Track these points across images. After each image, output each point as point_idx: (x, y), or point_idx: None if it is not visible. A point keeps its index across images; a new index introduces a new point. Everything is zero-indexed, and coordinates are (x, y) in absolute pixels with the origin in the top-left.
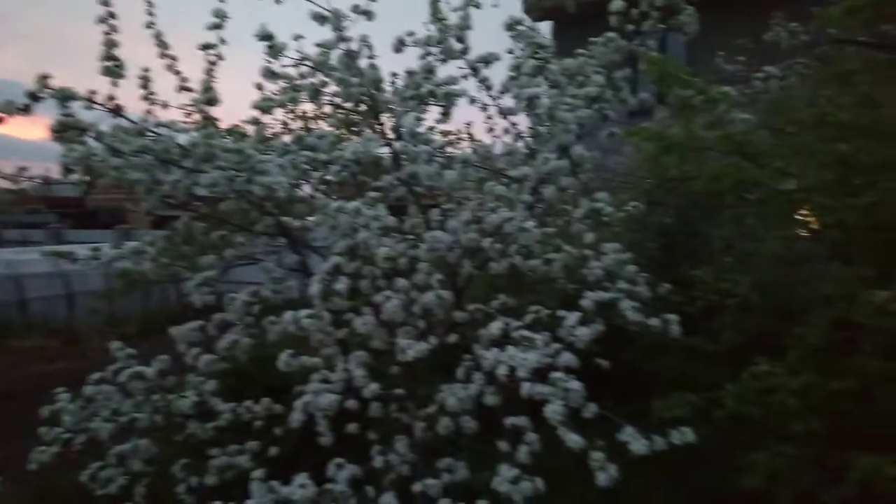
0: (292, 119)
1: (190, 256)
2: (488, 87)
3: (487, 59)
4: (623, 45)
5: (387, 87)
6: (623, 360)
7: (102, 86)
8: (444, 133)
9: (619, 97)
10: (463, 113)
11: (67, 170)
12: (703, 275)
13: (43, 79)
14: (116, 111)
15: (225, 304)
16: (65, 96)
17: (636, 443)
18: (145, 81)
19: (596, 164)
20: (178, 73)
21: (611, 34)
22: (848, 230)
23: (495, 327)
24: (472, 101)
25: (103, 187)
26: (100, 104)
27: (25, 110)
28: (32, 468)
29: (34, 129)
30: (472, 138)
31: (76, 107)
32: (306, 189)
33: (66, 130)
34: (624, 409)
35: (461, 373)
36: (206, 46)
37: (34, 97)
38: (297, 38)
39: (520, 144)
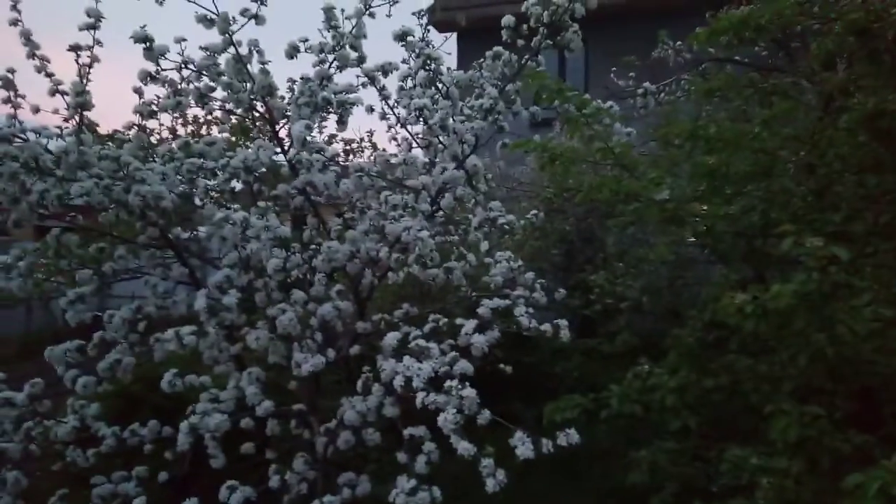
0: (181, 125)
1: (68, 271)
2: (385, 97)
3: (385, 69)
4: (512, 59)
5: (282, 93)
6: (528, 364)
7: None
8: (344, 141)
9: (512, 109)
10: (363, 122)
11: None
12: (598, 279)
13: None
14: None
15: (104, 322)
16: None
17: (522, 447)
18: (8, 82)
19: (498, 175)
20: (49, 75)
21: (499, 49)
22: (716, 236)
23: (393, 337)
24: (371, 110)
25: None
26: None
27: None
28: None
29: None
30: (373, 147)
31: None
32: (197, 198)
33: None
34: (530, 411)
35: (360, 385)
36: (75, 48)
37: None
38: (180, 40)
39: (417, 154)
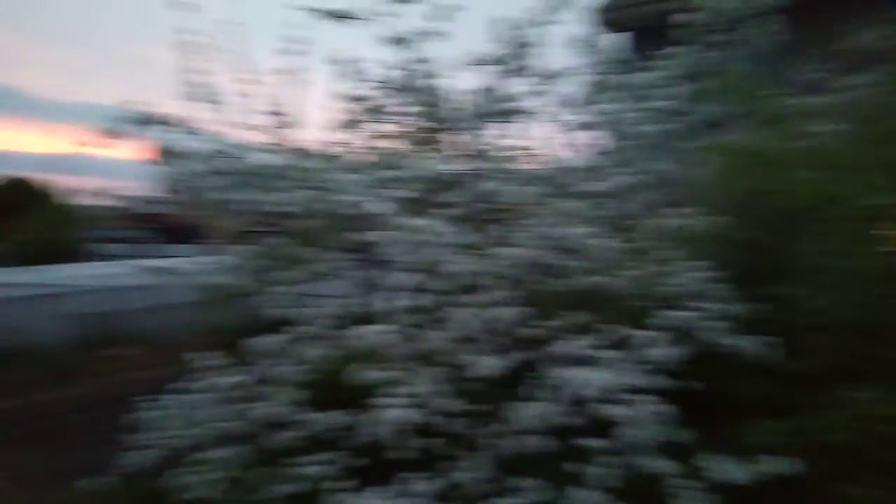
0: (368, 138)
1: (273, 271)
2: (560, 103)
3: (559, 74)
4: (692, 57)
5: (458, 104)
6: (711, 382)
7: (190, 109)
8: (517, 149)
9: (695, 110)
10: (536, 129)
11: (174, 189)
12: (790, 293)
13: (144, 105)
14: (202, 134)
15: (303, 318)
16: (150, 120)
17: (734, 471)
18: (229, 104)
19: (677, 178)
20: (259, 95)
21: (677, 48)
22: None
23: (568, 344)
24: (545, 116)
25: (186, 204)
26: (189, 128)
27: (125, 134)
28: (123, 471)
29: (112, 147)
30: (544, 154)
31: (166, 131)
32: (379, 206)
33: (171, 154)
34: (700, 433)
35: (531, 390)
36: (281, 71)
37: (135, 121)
38: (370, 60)
39: (596, 159)
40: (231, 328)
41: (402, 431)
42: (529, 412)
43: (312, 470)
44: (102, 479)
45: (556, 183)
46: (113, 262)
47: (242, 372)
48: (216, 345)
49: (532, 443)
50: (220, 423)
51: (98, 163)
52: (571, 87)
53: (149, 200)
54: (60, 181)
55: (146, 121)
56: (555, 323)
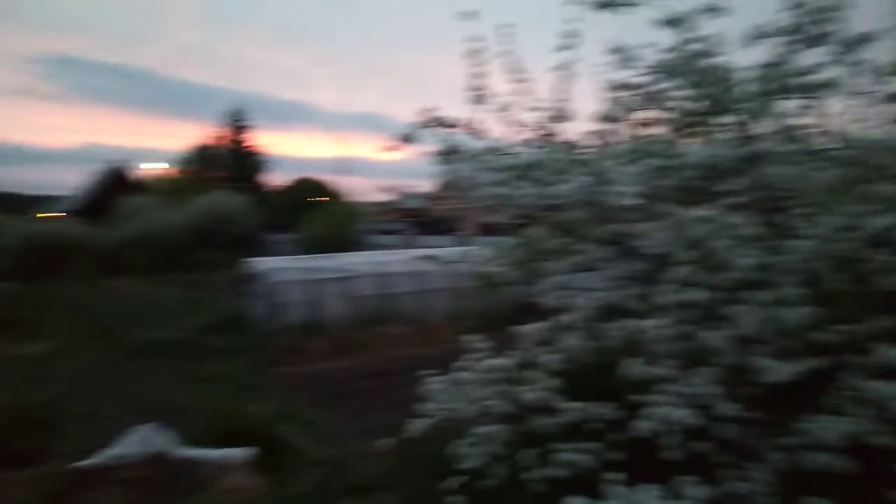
0: (640, 126)
1: (538, 261)
2: (865, 73)
3: (863, 40)
4: None
5: (740, 82)
6: None
7: (466, 110)
8: (811, 127)
9: None
10: (834, 103)
11: (448, 186)
12: None
13: (427, 111)
14: (479, 134)
15: (565, 308)
16: (442, 124)
17: None
18: (504, 105)
19: None
20: (531, 93)
21: None
22: None
23: (876, 354)
24: (846, 89)
25: (456, 199)
26: (468, 129)
27: (411, 139)
28: (405, 437)
29: (397, 150)
30: (845, 132)
31: (444, 133)
32: (650, 196)
33: (449, 154)
34: None
35: (830, 402)
36: (557, 68)
37: (418, 127)
38: (642, 46)
39: None
40: (495, 314)
41: (673, 431)
42: (828, 426)
43: (573, 457)
44: (388, 440)
45: (861, 164)
46: (386, 252)
47: (508, 356)
48: (482, 328)
49: (825, 460)
50: (488, 401)
51: (372, 164)
52: (878, 54)
53: (415, 196)
54: (342, 181)
55: (429, 124)
56: (858, 327)
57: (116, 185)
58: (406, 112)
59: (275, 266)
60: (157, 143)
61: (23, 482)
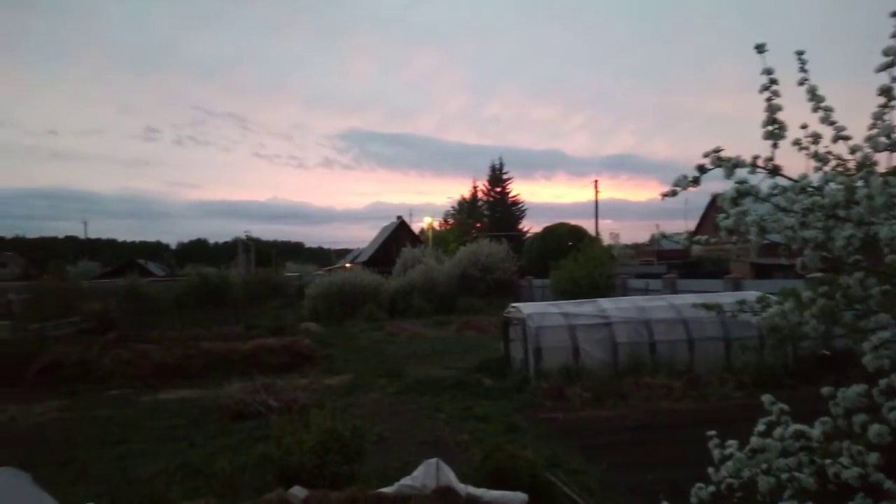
0: None
1: (847, 311)
2: None
3: None
4: None
5: None
6: None
7: (764, 149)
8: None
9: None
10: None
11: (729, 231)
12: None
13: (714, 152)
14: (775, 172)
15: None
16: (734, 164)
17: None
18: (807, 139)
19: None
20: (832, 123)
21: None
22: None
23: None
24: None
25: (712, 240)
26: (762, 167)
27: (695, 182)
28: (693, 501)
29: (639, 192)
30: None
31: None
32: None
33: (741, 196)
34: None
35: None
36: (885, 91)
37: (702, 169)
38: None
39: None
40: (782, 369)
41: None
42: None
43: None
44: (662, 497)
45: None
46: (645, 297)
47: (824, 423)
48: (765, 384)
49: None
50: (789, 474)
51: (626, 206)
52: None
53: (675, 238)
54: (596, 225)
55: (714, 164)
56: None
57: (399, 237)
58: (659, 150)
59: (533, 311)
60: (432, 199)
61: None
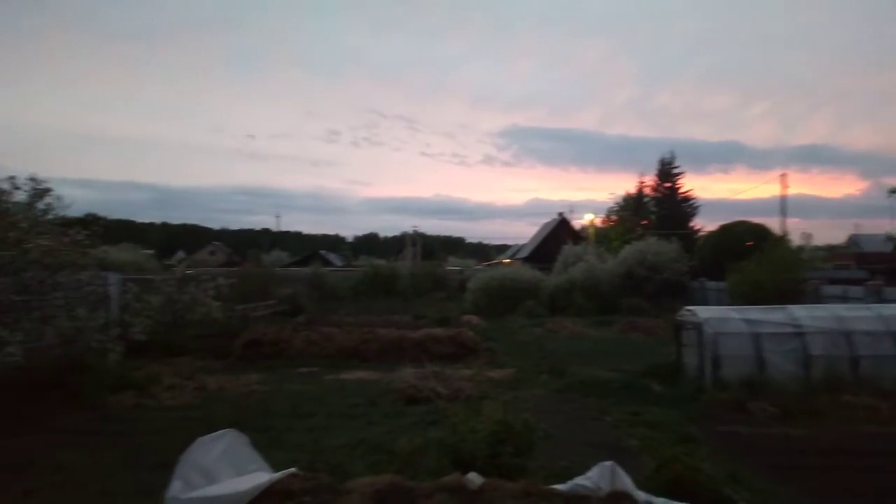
0: None
1: None
2: None
3: None
4: None
5: None
6: None
7: None
8: None
9: None
10: None
11: None
12: None
13: None
14: None
15: None
16: None
17: None
18: None
19: None
20: None
21: None
22: None
23: None
24: None
25: None
26: None
27: None
28: None
29: (833, 187)
30: None
31: None
32: None
33: None
34: None
35: None
36: None
37: None
38: None
39: None
40: None
41: None
42: None
43: None
44: None
45: None
46: (844, 305)
47: None
48: None
49: None
50: None
51: (819, 203)
52: None
53: (881, 239)
54: (782, 224)
55: None
56: None
57: (559, 234)
58: (860, 139)
59: (711, 315)
60: (593, 195)
61: (510, 495)
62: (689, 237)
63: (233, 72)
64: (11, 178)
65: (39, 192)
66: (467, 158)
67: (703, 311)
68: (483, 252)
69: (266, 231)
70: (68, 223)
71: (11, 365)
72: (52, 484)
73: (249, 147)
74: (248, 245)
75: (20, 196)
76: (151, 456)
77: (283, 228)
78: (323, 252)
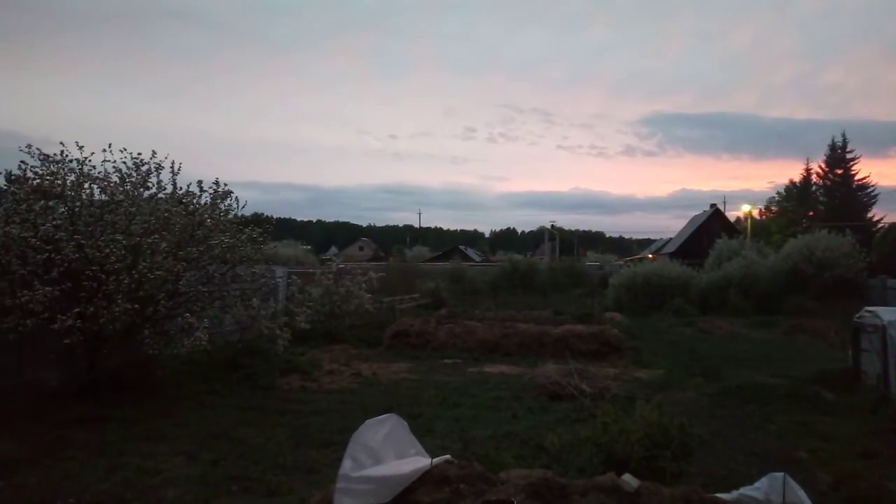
0: None
1: None
2: None
3: None
4: None
5: None
6: None
7: None
8: None
9: None
10: None
11: None
12: None
13: None
14: None
15: None
16: None
17: None
18: None
19: None
20: None
21: None
22: None
23: None
24: None
25: None
26: None
27: None
28: None
29: None
30: None
31: None
32: None
33: None
34: None
35: None
36: None
37: None
38: None
39: None
40: None
41: None
42: None
43: None
44: None
45: None
46: None
47: None
48: None
49: None
50: None
51: None
52: None
53: None
54: None
55: None
56: None
57: (711, 227)
58: None
59: None
60: (749, 184)
61: (669, 500)
62: (865, 229)
63: (377, 76)
64: (199, 182)
65: (221, 194)
66: (606, 150)
67: (886, 313)
68: (624, 247)
69: (408, 227)
70: (244, 222)
71: (199, 348)
72: (234, 456)
73: (392, 147)
74: (393, 240)
75: (205, 198)
76: (317, 434)
77: (425, 224)
78: (462, 247)
